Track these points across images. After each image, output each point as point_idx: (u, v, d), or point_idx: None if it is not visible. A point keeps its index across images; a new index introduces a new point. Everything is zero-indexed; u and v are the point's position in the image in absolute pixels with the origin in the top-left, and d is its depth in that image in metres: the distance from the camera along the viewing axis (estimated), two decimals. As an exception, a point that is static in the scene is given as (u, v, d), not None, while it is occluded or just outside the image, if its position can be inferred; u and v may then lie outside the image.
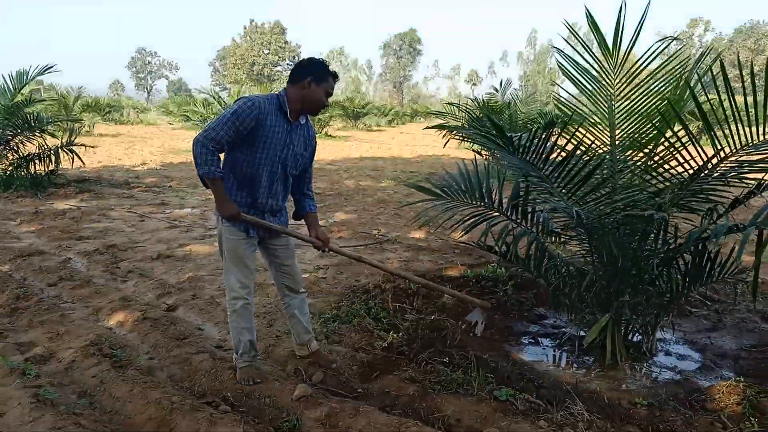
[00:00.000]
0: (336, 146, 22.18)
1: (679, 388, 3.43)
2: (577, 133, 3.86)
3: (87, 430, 2.63)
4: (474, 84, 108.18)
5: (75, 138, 10.80)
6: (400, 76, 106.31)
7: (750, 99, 2.96)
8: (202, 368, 3.37)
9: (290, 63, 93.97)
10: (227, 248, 3.17)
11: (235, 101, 2.98)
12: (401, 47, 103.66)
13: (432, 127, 4.14)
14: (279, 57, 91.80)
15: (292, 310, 3.48)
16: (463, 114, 8.32)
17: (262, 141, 3.01)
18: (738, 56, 3.58)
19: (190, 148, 3.02)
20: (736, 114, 3.01)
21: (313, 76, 3.04)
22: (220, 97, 19.67)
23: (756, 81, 2.88)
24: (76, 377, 3.34)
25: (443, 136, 5.86)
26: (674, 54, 3.86)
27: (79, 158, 10.69)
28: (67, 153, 10.48)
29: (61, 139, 10.77)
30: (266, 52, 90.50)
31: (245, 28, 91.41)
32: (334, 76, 3.14)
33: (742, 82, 2.97)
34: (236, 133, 2.92)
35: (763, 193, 3.36)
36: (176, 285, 5.05)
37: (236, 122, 2.90)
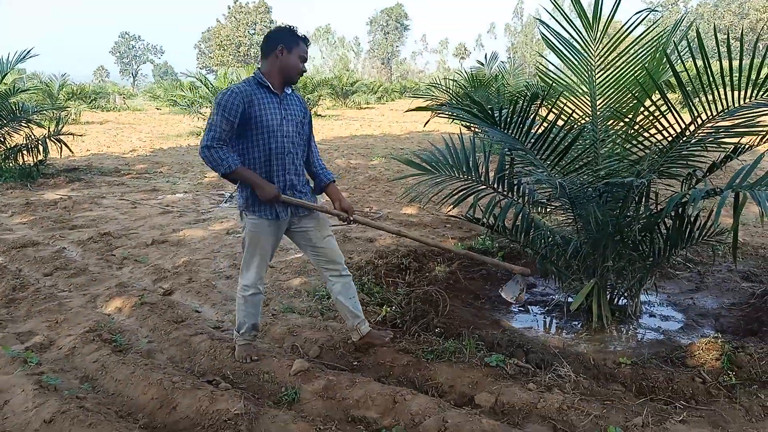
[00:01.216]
0: (326, 125, 22.13)
1: (661, 347, 3.57)
2: (559, 104, 3.93)
3: (91, 412, 2.71)
4: (462, 57, 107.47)
5: (62, 127, 10.75)
6: (388, 52, 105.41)
7: (730, 64, 3.02)
8: (201, 349, 3.47)
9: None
10: (251, 241, 3.16)
11: (218, 94, 2.97)
12: (388, 23, 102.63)
13: (414, 110, 4.19)
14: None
15: (336, 295, 3.40)
16: (448, 91, 8.35)
17: (260, 121, 2.99)
18: (715, 25, 3.62)
19: (192, 148, 3.04)
20: (713, 81, 3.07)
21: (284, 44, 3.02)
22: (207, 80, 19.53)
23: (732, 46, 2.95)
24: (77, 363, 3.42)
25: (429, 119, 5.93)
26: (654, 23, 3.92)
27: (68, 147, 10.66)
28: (54, 142, 10.44)
29: (48, 128, 10.72)
30: (252, 32, 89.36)
31: (229, 8, 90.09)
32: (305, 41, 3.10)
33: (718, 48, 3.04)
34: (230, 124, 2.92)
35: (739, 157, 3.45)
36: (172, 270, 5.13)
37: (225, 114, 2.90)
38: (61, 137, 10.51)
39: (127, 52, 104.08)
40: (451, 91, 8.47)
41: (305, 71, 3.21)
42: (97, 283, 4.83)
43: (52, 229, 6.68)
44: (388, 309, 4.02)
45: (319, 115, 27.80)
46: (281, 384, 3.08)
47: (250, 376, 3.18)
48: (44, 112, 12.07)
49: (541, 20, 4.10)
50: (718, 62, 3.07)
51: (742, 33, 3.04)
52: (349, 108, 34.92)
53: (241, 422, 2.62)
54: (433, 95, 8.14)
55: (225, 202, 8.38)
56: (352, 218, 3.31)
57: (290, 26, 3.10)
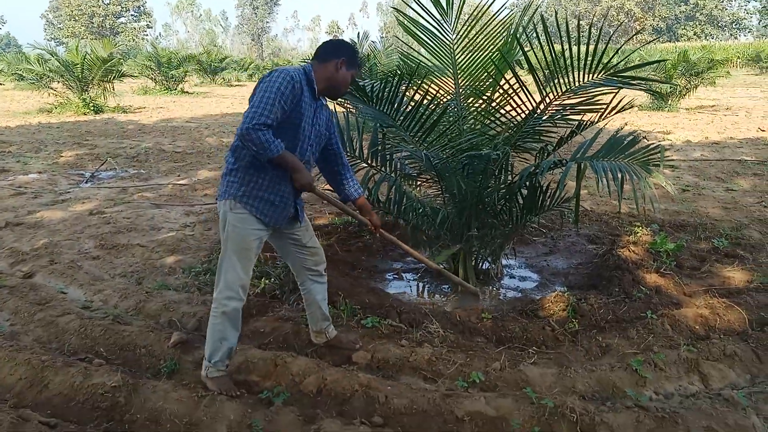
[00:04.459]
0: (194, 103, 21.26)
1: (518, 303, 3.96)
2: (425, 83, 4.16)
3: (-50, 400, 2.55)
4: (335, 35, 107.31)
5: None
6: (258, 28, 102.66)
7: (576, 48, 3.36)
8: (70, 328, 3.34)
9: (134, 14, 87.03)
10: (235, 238, 2.71)
11: (268, 76, 2.60)
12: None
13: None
14: (122, 7, 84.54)
15: (314, 296, 3.17)
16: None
17: (298, 122, 2.68)
18: (556, 14, 4.02)
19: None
20: (557, 62, 3.42)
21: (347, 59, 2.79)
22: (56, 53, 17.96)
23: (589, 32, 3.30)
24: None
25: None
26: (503, 5, 4.22)
27: None
28: None
29: None
30: (106, 2, 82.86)
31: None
32: (360, 67, 2.94)
33: (567, 33, 3.37)
34: (282, 111, 2.56)
35: (582, 132, 3.88)
36: (30, 252, 4.80)
37: (282, 101, 2.54)
38: None
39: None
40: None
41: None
42: (-55, 270, 4.41)
43: None
44: (267, 281, 4.08)
45: (187, 92, 26.60)
46: (159, 357, 3.07)
47: (126, 351, 3.13)
48: None
49: (397, 9, 4.27)
50: (577, 46, 3.39)
51: (578, 21, 3.43)
52: (218, 85, 33.70)
53: (119, 394, 2.60)
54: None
55: (86, 182, 7.89)
56: (379, 233, 3.20)
57: (355, 45, 2.86)
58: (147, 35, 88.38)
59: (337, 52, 2.80)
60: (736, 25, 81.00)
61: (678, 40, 66.77)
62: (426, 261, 3.68)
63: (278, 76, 2.57)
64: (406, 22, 4.18)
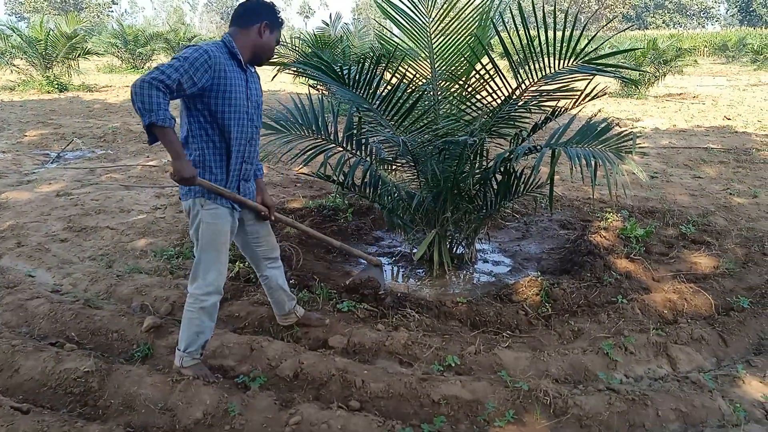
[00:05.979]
0: (163, 83, 20.74)
1: (492, 287, 4.02)
2: (402, 67, 4.14)
3: None
4: (307, 16, 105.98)
5: None
6: (228, 7, 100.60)
7: (555, 34, 3.38)
8: (39, 312, 3.27)
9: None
10: (209, 235, 2.63)
11: (185, 48, 2.45)
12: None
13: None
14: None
15: (275, 281, 3.10)
16: (296, 50, 8.28)
17: (228, 96, 2.54)
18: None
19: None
20: (533, 48, 3.43)
21: (268, 21, 2.66)
22: (18, 29, 17.32)
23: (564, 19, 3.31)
24: None
25: (275, 74, 5.82)
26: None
27: None
28: None
29: None
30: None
31: (42, -54, 79.59)
32: (282, 24, 2.79)
33: (542, 19, 3.38)
34: (190, 83, 2.38)
35: (556, 119, 3.91)
36: (-4, 234, 4.67)
37: (190, 69, 2.37)
38: None
39: None
40: (298, 50, 8.43)
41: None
42: None
43: None
44: (241, 265, 4.04)
45: (156, 71, 25.96)
46: (132, 342, 3.03)
47: (98, 336, 3.08)
48: None
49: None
50: (551, 32, 3.40)
51: (554, 8, 3.44)
52: (188, 65, 32.96)
53: (92, 379, 2.56)
54: (279, 53, 8.04)
55: (51, 163, 7.69)
56: (273, 216, 2.98)
57: (273, 3, 2.73)
58: (112, 11, 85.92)
59: (257, 16, 2.65)
60: (704, 13, 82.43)
61: (647, 28, 67.72)
62: (328, 240, 3.57)
63: (190, 50, 2.44)
64: (382, 3, 4.14)
